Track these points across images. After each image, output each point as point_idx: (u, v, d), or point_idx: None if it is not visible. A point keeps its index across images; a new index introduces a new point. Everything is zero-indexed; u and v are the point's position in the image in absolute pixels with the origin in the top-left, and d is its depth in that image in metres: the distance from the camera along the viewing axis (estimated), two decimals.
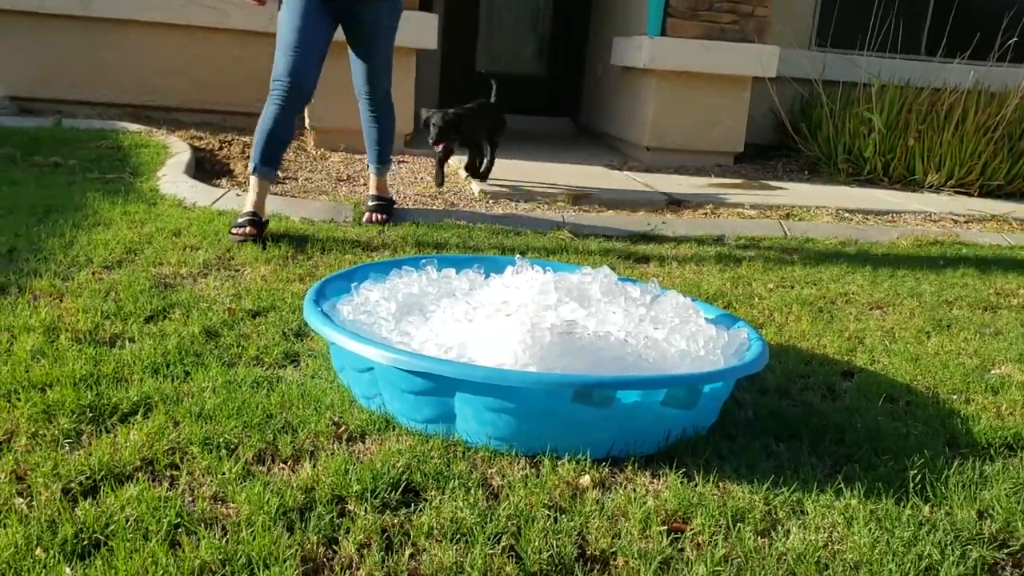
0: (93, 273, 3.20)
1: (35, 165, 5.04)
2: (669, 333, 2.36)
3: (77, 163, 5.14)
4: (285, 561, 1.60)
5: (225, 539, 1.66)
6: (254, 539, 1.66)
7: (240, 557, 1.61)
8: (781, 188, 6.27)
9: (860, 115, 6.77)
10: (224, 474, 1.90)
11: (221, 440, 2.04)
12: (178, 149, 5.64)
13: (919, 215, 5.70)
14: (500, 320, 2.26)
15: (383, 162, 4.54)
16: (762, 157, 7.45)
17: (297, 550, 1.65)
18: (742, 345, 2.41)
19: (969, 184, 6.60)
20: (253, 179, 3.96)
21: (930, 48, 7.82)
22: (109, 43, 6.86)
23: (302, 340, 2.74)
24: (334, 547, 1.69)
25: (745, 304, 3.48)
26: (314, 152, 6.27)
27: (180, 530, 1.69)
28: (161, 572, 1.54)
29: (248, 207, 3.91)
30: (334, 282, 2.64)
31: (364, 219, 4.36)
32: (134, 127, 6.24)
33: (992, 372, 2.93)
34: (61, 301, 2.89)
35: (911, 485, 2.07)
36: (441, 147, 5.04)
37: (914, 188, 6.67)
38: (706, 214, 5.27)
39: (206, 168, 5.45)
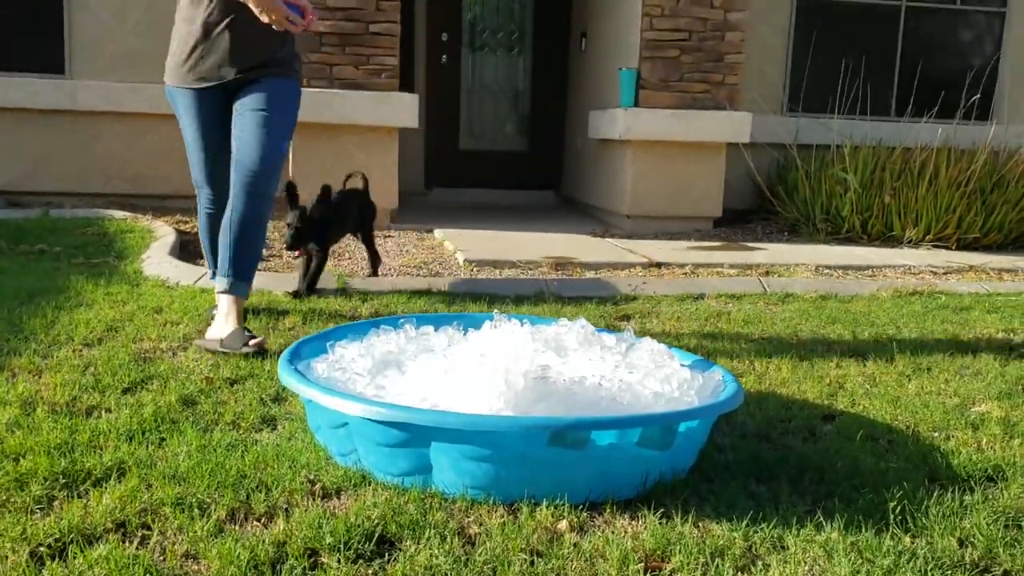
0: (73, 350, 3.20)
1: (21, 253, 5.08)
2: (643, 377, 2.37)
3: (62, 249, 5.18)
4: None
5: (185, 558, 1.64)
6: None
7: None
8: (760, 248, 6.35)
9: (835, 175, 6.90)
10: (196, 532, 1.87)
11: (194, 500, 2.02)
12: (163, 233, 5.70)
13: (898, 268, 5.76)
14: (475, 368, 2.27)
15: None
16: (741, 221, 7.55)
17: None
18: (717, 386, 2.42)
19: (947, 238, 6.69)
20: (228, 299, 3.39)
21: (899, 109, 8.01)
22: (97, 135, 6.99)
23: (280, 404, 2.73)
24: None
25: (725, 355, 3.49)
26: None
27: None
28: None
29: (235, 327, 3.33)
30: (310, 343, 2.65)
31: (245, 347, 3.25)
32: (120, 214, 6.31)
33: (972, 409, 2.94)
34: (40, 377, 2.89)
35: (891, 517, 2.06)
36: (297, 254, 4.22)
37: (893, 244, 6.75)
38: (686, 274, 5.32)
39: (190, 250, 5.50)
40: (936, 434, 2.69)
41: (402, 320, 2.86)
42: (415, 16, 8.34)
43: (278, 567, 1.75)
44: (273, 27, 3.24)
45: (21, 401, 2.62)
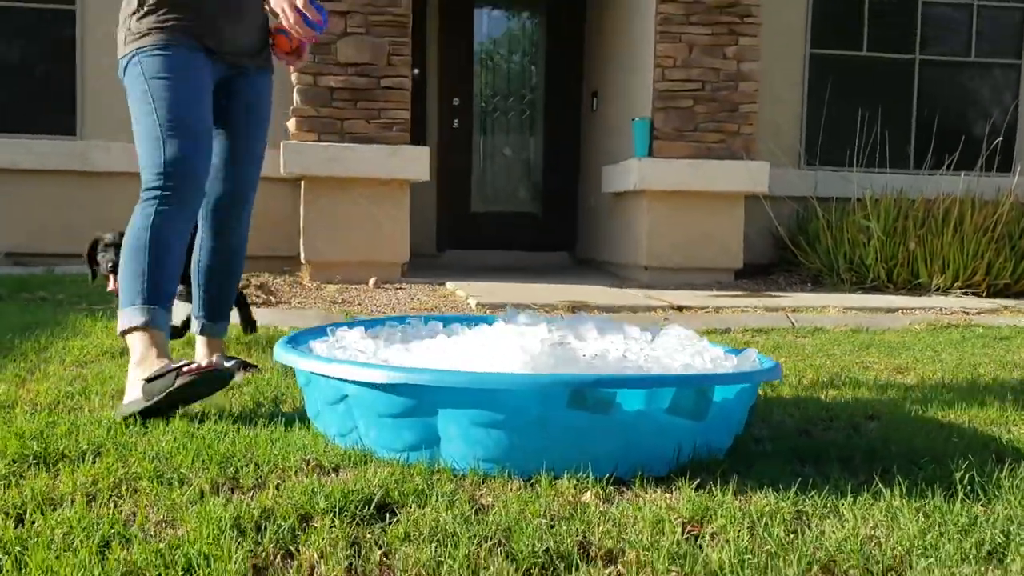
0: (64, 368, 3.03)
1: (21, 301, 4.95)
2: (672, 352, 2.16)
3: (65, 297, 5.05)
4: (231, 561, 1.36)
5: (163, 544, 1.42)
6: (197, 542, 1.41)
7: (179, 559, 1.36)
8: (785, 295, 6.15)
9: (858, 223, 6.73)
10: (173, 500, 1.66)
11: (174, 475, 1.81)
12: None
13: (930, 310, 5.54)
14: (487, 338, 2.07)
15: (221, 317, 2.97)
16: (762, 274, 7.37)
17: (248, 554, 1.40)
18: (753, 365, 2.21)
19: (976, 284, 6.47)
20: (142, 336, 2.43)
21: (917, 161, 7.90)
22: (107, 196, 6.93)
23: (277, 404, 2.53)
24: (292, 552, 1.44)
25: None
26: (310, 285, 6.20)
27: (115, 542, 1.45)
28: (80, 572, 1.30)
29: (158, 365, 2.37)
30: (307, 334, 2.46)
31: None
32: None
33: None
34: (24, 384, 2.71)
35: (959, 487, 1.82)
36: (111, 281, 3.24)
37: (920, 292, 6.54)
38: (709, 314, 5.12)
39: None
40: (995, 428, 2.45)
41: (408, 319, 2.68)
42: (427, 82, 8.38)
43: (263, 528, 1.53)
44: (292, 31, 2.56)
45: (0, 404, 2.43)
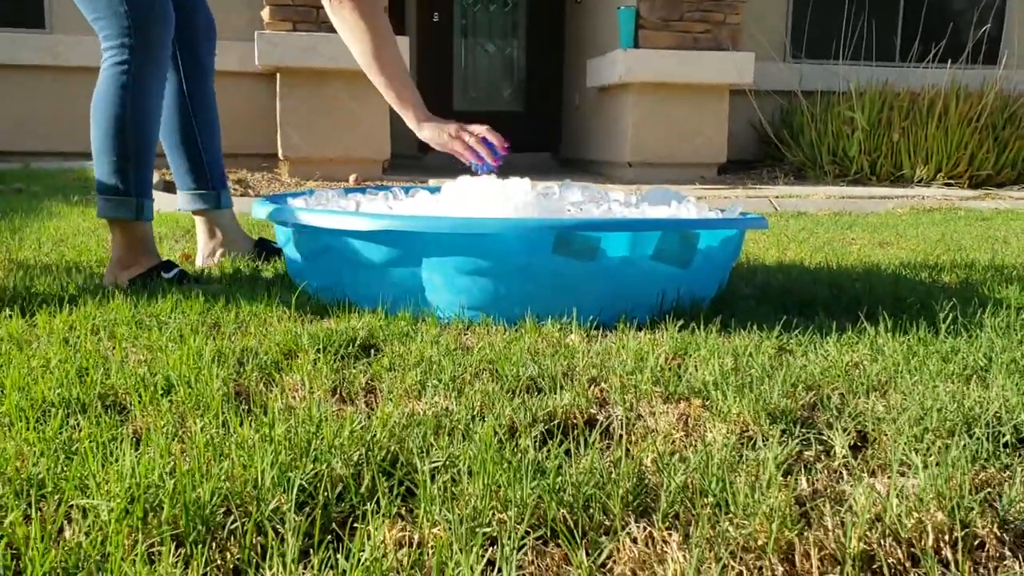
0: (40, 244, 2.98)
1: None
2: (659, 207, 2.14)
3: (41, 189, 4.96)
4: (213, 382, 1.34)
5: (143, 369, 1.41)
6: (178, 367, 1.40)
7: (159, 381, 1.35)
8: (768, 187, 6.12)
9: (842, 115, 6.68)
10: (153, 341, 1.64)
11: (153, 321, 1.79)
12: None
13: (913, 198, 5.54)
14: (471, 192, 2.04)
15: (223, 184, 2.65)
16: (745, 169, 7.34)
17: (230, 379, 1.39)
18: (737, 216, 2.19)
19: (959, 175, 6.47)
20: (125, 228, 2.26)
21: (903, 54, 7.80)
22: (82, 92, 6.76)
23: (258, 270, 2.50)
24: (275, 378, 1.43)
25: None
26: (289, 181, 6.11)
27: (92, 369, 1.43)
28: (58, 390, 1.28)
29: (142, 264, 2.27)
30: (287, 195, 2.42)
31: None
32: None
33: (1012, 266, 2.70)
34: None
35: (942, 325, 1.82)
36: None
37: (903, 184, 6.53)
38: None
39: (174, 195, 5.28)
40: (978, 286, 2.46)
41: (391, 187, 2.63)
42: None
43: (245, 360, 1.52)
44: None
45: None
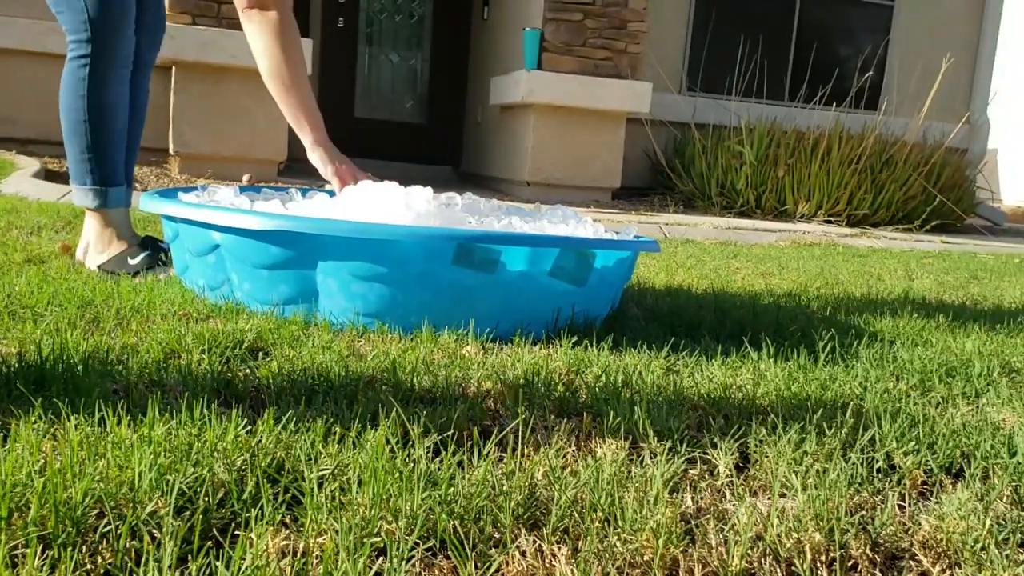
0: None
1: None
2: (558, 225, 2.16)
3: None
4: (88, 380, 1.28)
5: (16, 365, 1.33)
6: (51, 365, 1.32)
7: (31, 376, 1.27)
8: (659, 215, 6.27)
9: (731, 149, 6.91)
10: (26, 334, 1.55)
11: (28, 313, 1.70)
12: (26, 164, 5.22)
13: (795, 232, 5.77)
14: (372, 197, 2.01)
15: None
16: (638, 196, 7.50)
17: (107, 380, 1.32)
18: (631, 239, 2.23)
19: (838, 214, 6.77)
20: (97, 217, 2.34)
21: (792, 94, 8.15)
22: (5, 77, 6.41)
23: (138, 275, 2.40)
24: (156, 380, 1.37)
25: None
26: (178, 177, 5.92)
27: None
28: None
29: (115, 249, 2.36)
30: (178, 189, 2.33)
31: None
32: None
33: (886, 301, 2.84)
34: None
35: (821, 355, 1.90)
36: None
37: (786, 219, 6.80)
38: None
39: (58, 184, 5.03)
40: (854, 317, 2.58)
41: (288, 188, 2.58)
42: None
43: (127, 360, 1.45)
44: None
45: None
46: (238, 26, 6.04)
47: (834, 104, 7.45)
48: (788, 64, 8.23)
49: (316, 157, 2.23)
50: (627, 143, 7.12)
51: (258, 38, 2.17)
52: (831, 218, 6.76)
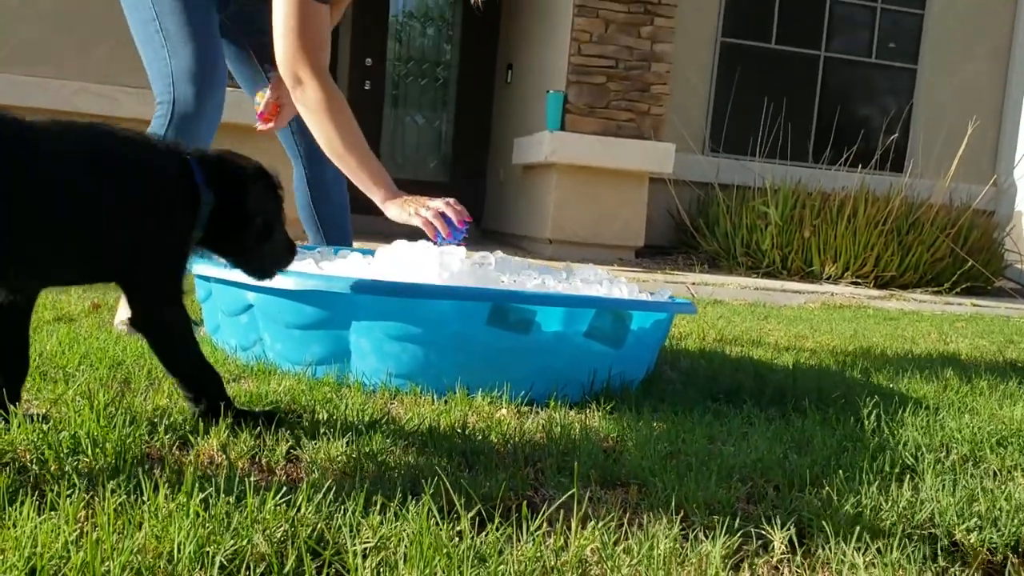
0: None
1: None
2: (591, 285, 2.13)
3: None
4: (123, 443, 1.24)
5: (46, 426, 1.30)
6: (85, 424, 1.29)
7: (64, 439, 1.24)
8: (684, 274, 6.24)
9: (756, 209, 6.89)
10: (59, 395, 1.53)
11: (59, 374, 1.67)
12: None
13: (823, 294, 5.71)
14: (406, 257, 1.99)
15: None
16: (661, 255, 7.47)
17: (140, 441, 1.29)
18: (668, 300, 2.19)
19: (865, 275, 6.71)
20: None
21: (816, 155, 8.14)
22: None
23: None
24: (190, 442, 1.34)
25: None
26: None
27: None
28: None
29: None
30: None
31: None
32: None
33: (924, 365, 2.78)
34: None
35: (867, 422, 1.84)
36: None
37: (813, 280, 6.74)
38: None
39: None
40: (894, 383, 2.51)
41: (317, 247, 2.57)
42: (339, 38, 8.17)
43: (157, 422, 1.42)
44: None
45: None
46: None
47: (859, 166, 7.43)
48: (812, 125, 8.25)
49: (394, 213, 2.19)
50: (650, 202, 7.12)
51: (311, 114, 2.15)
52: (858, 279, 6.69)
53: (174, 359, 1.41)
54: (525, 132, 7.38)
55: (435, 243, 2.10)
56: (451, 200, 2.16)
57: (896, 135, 8.03)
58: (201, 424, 1.41)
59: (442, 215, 2.11)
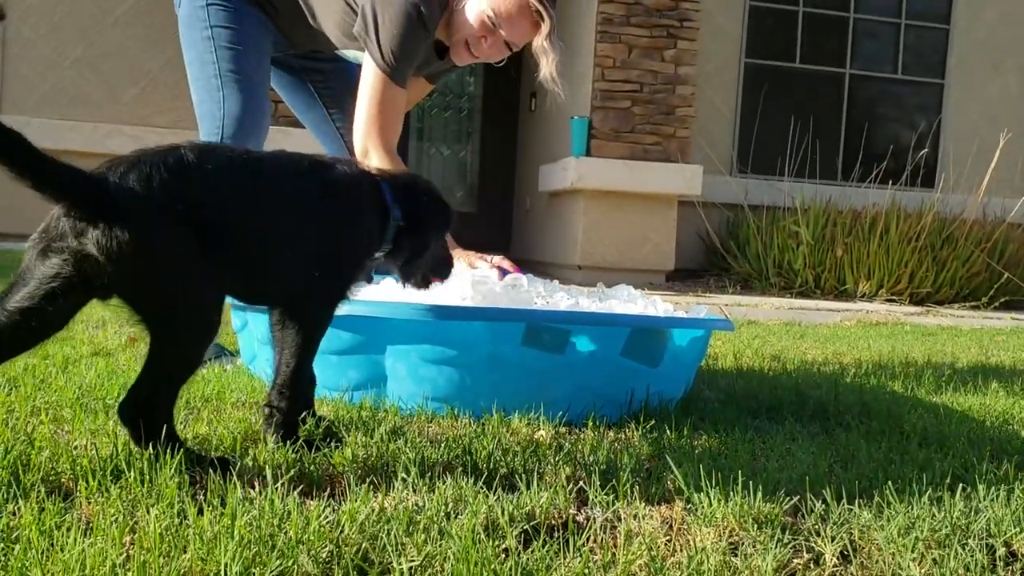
0: None
1: None
2: (625, 304, 2.12)
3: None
4: (168, 468, 1.25)
5: (90, 455, 1.30)
6: (126, 453, 1.30)
7: (107, 467, 1.25)
8: (717, 296, 6.20)
9: (787, 229, 6.85)
10: (99, 426, 1.54)
11: (99, 405, 1.68)
12: None
13: (858, 312, 5.64)
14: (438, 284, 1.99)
15: None
16: (692, 277, 7.43)
17: (185, 466, 1.29)
18: (704, 317, 2.17)
19: (899, 292, 6.63)
20: None
21: (845, 173, 8.08)
22: None
23: (204, 365, 2.40)
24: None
25: None
26: None
27: (34, 453, 1.32)
28: None
29: None
30: None
31: None
32: None
33: (966, 379, 2.73)
34: None
35: (913, 436, 1.80)
36: None
37: (847, 298, 6.67)
38: None
39: None
40: (936, 396, 2.47)
41: None
42: None
43: (200, 447, 1.42)
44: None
45: None
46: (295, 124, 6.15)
47: (889, 182, 7.37)
48: (840, 143, 8.19)
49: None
50: (679, 225, 7.09)
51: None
52: (893, 296, 6.61)
53: (301, 354, 1.49)
54: (550, 159, 7.41)
55: None
56: (503, 255, 2.26)
57: (926, 150, 7.95)
58: (241, 449, 1.41)
59: (500, 269, 2.16)
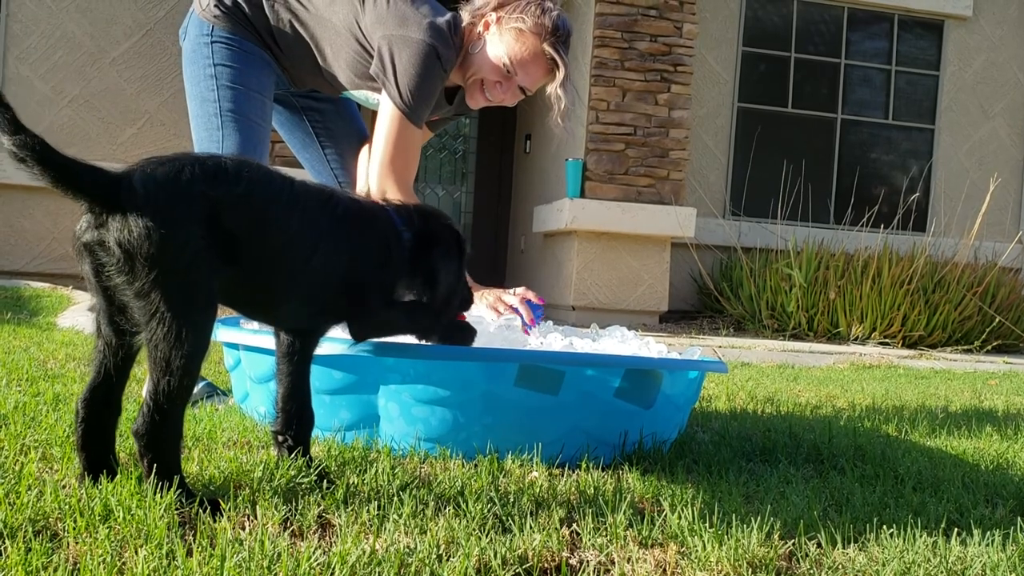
0: None
1: None
2: (619, 344, 2.12)
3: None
4: (155, 509, 1.23)
5: (79, 493, 1.29)
6: (117, 493, 1.29)
7: (95, 507, 1.23)
8: (710, 337, 6.20)
9: (780, 271, 6.87)
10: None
11: None
12: (82, 299, 5.32)
13: (851, 354, 5.65)
14: None
15: None
16: (686, 319, 7.45)
17: (172, 505, 1.28)
18: (698, 359, 2.17)
19: (892, 335, 6.64)
20: None
21: (838, 216, 8.13)
22: (23, 210, 6.65)
23: (196, 404, 2.39)
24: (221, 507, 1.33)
25: None
26: None
27: (23, 490, 1.31)
28: None
29: None
30: (238, 319, 2.34)
31: None
32: (38, 284, 5.92)
33: (959, 423, 2.72)
34: None
35: (906, 479, 1.80)
36: None
37: (840, 341, 6.68)
38: None
39: None
40: (929, 440, 2.46)
41: None
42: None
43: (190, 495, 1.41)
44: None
45: None
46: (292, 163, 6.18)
47: (881, 226, 7.42)
48: (832, 186, 8.26)
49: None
50: (673, 267, 7.12)
51: None
52: (886, 339, 6.62)
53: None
54: (545, 200, 7.45)
55: (527, 333, 2.11)
56: (525, 287, 2.25)
57: (917, 194, 8.02)
58: (231, 489, 1.40)
59: (526, 301, 2.18)
